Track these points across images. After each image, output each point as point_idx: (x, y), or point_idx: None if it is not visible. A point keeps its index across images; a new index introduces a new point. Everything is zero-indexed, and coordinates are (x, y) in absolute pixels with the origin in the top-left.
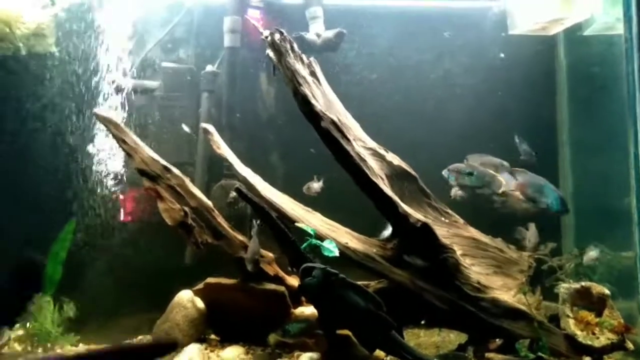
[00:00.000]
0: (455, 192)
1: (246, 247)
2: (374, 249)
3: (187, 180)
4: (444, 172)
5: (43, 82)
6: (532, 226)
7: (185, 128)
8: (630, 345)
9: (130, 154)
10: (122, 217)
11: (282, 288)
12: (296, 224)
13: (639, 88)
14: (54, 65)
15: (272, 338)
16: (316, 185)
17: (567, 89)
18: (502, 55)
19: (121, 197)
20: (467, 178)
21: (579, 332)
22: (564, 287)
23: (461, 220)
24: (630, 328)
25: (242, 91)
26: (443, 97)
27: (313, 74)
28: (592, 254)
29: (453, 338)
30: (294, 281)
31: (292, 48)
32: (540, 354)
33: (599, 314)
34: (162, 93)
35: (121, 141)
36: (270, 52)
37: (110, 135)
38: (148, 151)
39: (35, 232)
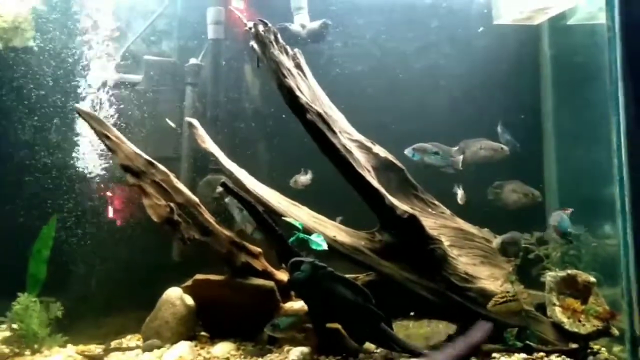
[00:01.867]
0: (462, 197)
1: (233, 242)
2: (362, 242)
3: (172, 176)
4: (408, 151)
5: (22, 77)
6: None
7: (170, 122)
8: (615, 332)
9: (113, 149)
10: (109, 215)
11: (271, 283)
12: (283, 218)
13: (621, 77)
14: (31, 59)
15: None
16: (303, 179)
17: (552, 79)
18: (481, 28)
19: (108, 194)
20: (433, 157)
21: (565, 320)
22: (550, 276)
23: (448, 211)
24: (615, 314)
25: (226, 84)
26: (428, 88)
27: (298, 65)
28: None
29: (442, 329)
30: (283, 276)
31: (276, 39)
32: (528, 342)
33: (585, 301)
34: (144, 87)
35: (104, 137)
36: (254, 44)
37: (93, 131)
38: (131, 147)
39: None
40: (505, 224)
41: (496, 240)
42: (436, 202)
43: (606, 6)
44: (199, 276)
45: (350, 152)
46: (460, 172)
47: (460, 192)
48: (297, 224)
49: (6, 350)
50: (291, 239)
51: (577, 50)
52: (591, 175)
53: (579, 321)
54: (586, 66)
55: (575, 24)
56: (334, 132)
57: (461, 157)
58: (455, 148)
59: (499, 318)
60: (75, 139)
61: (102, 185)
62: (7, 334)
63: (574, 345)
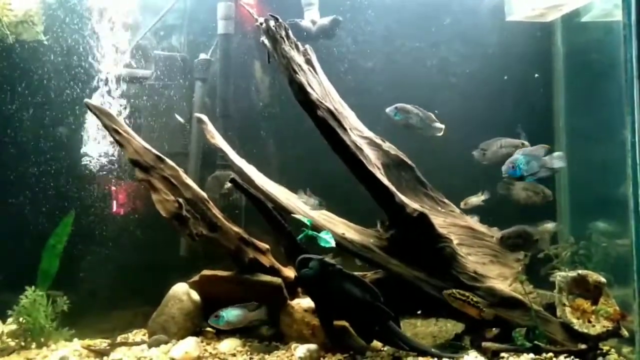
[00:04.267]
0: (474, 200)
1: (242, 238)
2: (371, 240)
3: (181, 171)
4: (390, 110)
5: (31, 71)
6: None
7: (178, 118)
8: (625, 333)
9: (122, 144)
10: (114, 209)
11: (278, 280)
12: (292, 214)
13: (637, 75)
14: (41, 53)
15: (265, 330)
16: (312, 201)
17: (564, 76)
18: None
19: (113, 188)
20: (413, 117)
21: (575, 320)
22: (561, 276)
23: (457, 210)
24: (626, 315)
25: (236, 79)
26: (439, 85)
27: (309, 61)
28: (548, 226)
29: (450, 328)
30: (290, 273)
31: (287, 35)
32: (536, 342)
33: (595, 302)
34: (154, 82)
35: (113, 131)
36: (265, 39)
37: (102, 126)
38: (140, 141)
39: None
40: (514, 222)
41: (497, 234)
42: (446, 201)
43: (623, 3)
44: (205, 272)
45: (360, 149)
46: (470, 169)
47: (476, 198)
48: (306, 220)
49: (12, 343)
50: (300, 236)
51: (590, 47)
52: (603, 175)
53: (589, 322)
54: (600, 64)
55: (589, 21)
56: (344, 129)
57: (442, 125)
58: (434, 119)
59: (507, 317)
60: (84, 133)
61: (111, 180)
62: (14, 327)
63: (583, 346)
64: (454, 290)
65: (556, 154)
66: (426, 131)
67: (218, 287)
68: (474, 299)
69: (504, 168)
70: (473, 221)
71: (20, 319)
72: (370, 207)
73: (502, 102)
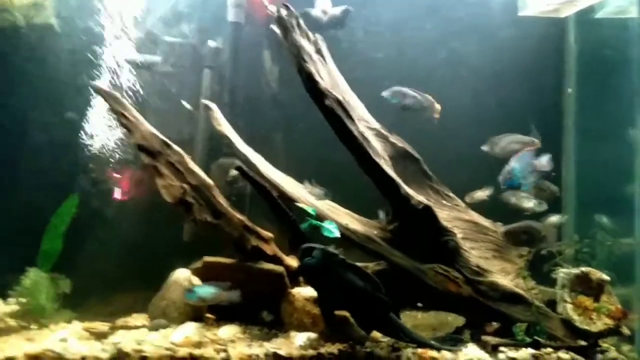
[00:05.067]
0: (480, 195)
1: (245, 226)
2: (375, 231)
3: (187, 157)
4: (386, 93)
5: (42, 55)
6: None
7: (186, 104)
8: (626, 331)
9: (129, 129)
10: (118, 195)
11: (280, 268)
12: (297, 204)
13: None
14: (51, 37)
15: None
16: (317, 191)
17: (575, 74)
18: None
19: (117, 175)
20: (410, 100)
21: (576, 317)
22: (564, 273)
23: (462, 204)
24: (628, 314)
25: (245, 68)
26: (449, 78)
27: (319, 51)
28: (552, 219)
29: (451, 320)
30: (292, 261)
31: (298, 24)
32: (537, 337)
33: (597, 299)
34: (163, 68)
35: (121, 116)
36: (276, 27)
37: (111, 110)
38: (148, 127)
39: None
40: (519, 218)
41: (501, 229)
42: (451, 194)
43: (638, 0)
44: (208, 258)
45: (367, 140)
46: (476, 164)
47: (481, 193)
48: (310, 210)
49: (13, 323)
50: (304, 225)
51: (604, 44)
52: (611, 173)
53: (590, 319)
54: (613, 62)
55: (603, 17)
56: (351, 119)
57: (439, 106)
58: (431, 100)
59: (508, 312)
60: (91, 117)
61: (116, 164)
62: (15, 307)
63: (583, 343)
64: (435, 265)
65: (544, 156)
66: (423, 113)
67: (220, 274)
68: (454, 275)
69: (501, 179)
70: (477, 216)
71: (22, 300)
72: (374, 198)
73: (511, 97)
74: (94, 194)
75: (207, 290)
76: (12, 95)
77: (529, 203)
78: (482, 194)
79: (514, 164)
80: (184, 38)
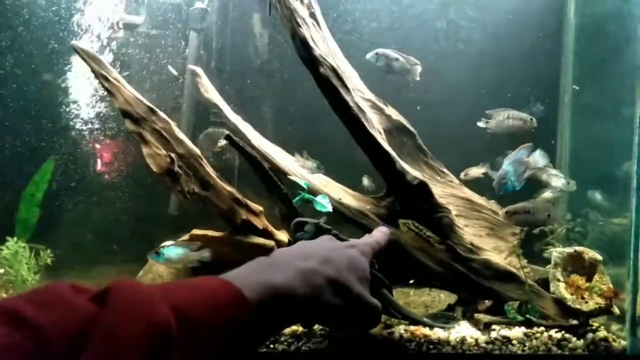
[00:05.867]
0: (475, 172)
1: (235, 198)
2: (368, 206)
3: (173, 125)
4: (371, 55)
5: (16, 13)
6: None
7: (171, 70)
8: (616, 310)
9: (112, 92)
10: (99, 167)
11: (271, 242)
12: (289, 176)
13: None
14: None
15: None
16: (309, 164)
17: (574, 50)
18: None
19: (97, 145)
20: (395, 63)
21: (568, 296)
22: (557, 252)
23: (456, 180)
24: (619, 293)
25: (233, 32)
26: (445, 51)
27: (313, 15)
28: (545, 195)
29: (443, 298)
30: (283, 236)
31: None
32: (528, 316)
33: (590, 278)
34: (146, 29)
35: (102, 78)
36: None
37: (91, 71)
38: (132, 91)
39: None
40: (512, 198)
41: (499, 209)
42: (445, 170)
43: None
44: (196, 231)
45: (363, 111)
46: (472, 140)
47: (476, 170)
48: (303, 183)
49: None
50: (296, 199)
51: (605, 19)
52: (606, 153)
53: (582, 298)
54: (614, 38)
55: None
56: (347, 89)
57: (419, 67)
58: (414, 62)
59: (501, 290)
60: (71, 80)
61: (99, 131)
62: None
63: (574, 322)
64: (409, 221)
65: (538, 152)
66: (406, 75)
67: (209, 247)
68: (427, 233)
69: (495, 186)
70: (471, 193)
71: (1, 271)
72: (366, 173)
73: (508, 71)
74: (75, 162)
75: (175, 251)
76: None
77: (559, 182)
78: (477, 171)
79: (506, 167)
80: None
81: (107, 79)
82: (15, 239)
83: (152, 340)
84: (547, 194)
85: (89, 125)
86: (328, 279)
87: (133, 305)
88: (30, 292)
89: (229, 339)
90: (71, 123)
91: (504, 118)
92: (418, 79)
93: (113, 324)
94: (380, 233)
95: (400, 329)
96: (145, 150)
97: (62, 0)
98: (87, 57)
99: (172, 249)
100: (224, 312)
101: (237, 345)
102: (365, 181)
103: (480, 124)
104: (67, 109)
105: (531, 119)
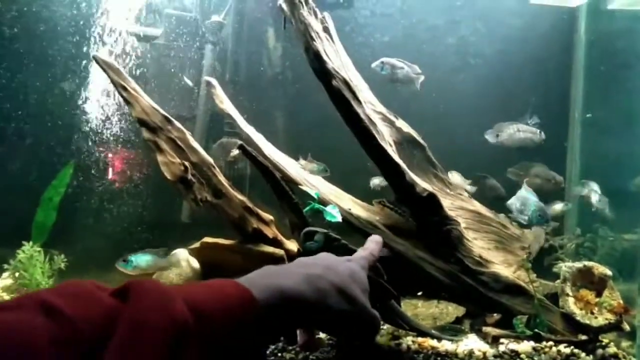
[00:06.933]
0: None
1: (246, 207)
2: (377, 217)
3: (188, 134)
4: (377, 65)
5: (35, 24)
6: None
7: (187, 81)
8: (626, 327)
9: (130, 102)
10: (111, 176)
11: (281, 251)
12: (300, 186)
13: None
14: (47, 4)
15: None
16: (311, 167)
17: (584, 66)
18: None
19: (110, 155)
20: (399, 72)
21: (577, 311)
22: (567, 266)
23: (466, 193)
24: (629, 310)
25: (248, 45)
26: (456, 65)
27: (326, 29)
28: (556, 207)
29: (451, 310)
30: (292, 245)
31: (306, 0)
32: (537, 330)
33: (599, 294)
34: (163, 42)
35: (121, 88)
36: (283, 3)
37: (110, 81)
38: (149, 100)
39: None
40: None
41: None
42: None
43: None
44: (207, 239)
45: (374, 123)
46: (481, 153)
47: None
48: (313, 193)
49: (7, 298)
50: (306, 209)
51: (616, 36)
52: (616, 168)
53: (592, 313)
54: (624, 54)
55: (616, 8)
56: (359, 102)
57: (422, 77)
58: (418, 71)
59: (509, 304)
60: (89, 89)
61: (114, 139)
62: (9, 282)
63: (584, 337)
64: (384, 200)
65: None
66: (410, 85)
67: (219, 256)
68: (402, 208)
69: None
70: (480, 206)
71: (16, 274)
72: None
73: (518, 87)
74: (91, 169)
75: (143, 259)
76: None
77: (596, 197)
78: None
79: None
80: (186, 11)
81: (125, 89)
82: (30, 243)
83: (175, 333)
84: (557, 206)
85: (105, 135)
86: (332, 285)
87: (156, 300)
88: (57, 287)
89: (239, 338)
90: (88, 131)
91: (514, 131)
92: (418, 88)
93: (139, 316)
94: (373, 243)
95: (408, 341)
96: (160, 158)
97: (83, 12)
98: (107, 67)
99: (140, 257)
100: (235, 311)
101: (246, 344)
102: (376, 180)
103: (489, 138)
104: (84, 117)
105: (540, 132)
